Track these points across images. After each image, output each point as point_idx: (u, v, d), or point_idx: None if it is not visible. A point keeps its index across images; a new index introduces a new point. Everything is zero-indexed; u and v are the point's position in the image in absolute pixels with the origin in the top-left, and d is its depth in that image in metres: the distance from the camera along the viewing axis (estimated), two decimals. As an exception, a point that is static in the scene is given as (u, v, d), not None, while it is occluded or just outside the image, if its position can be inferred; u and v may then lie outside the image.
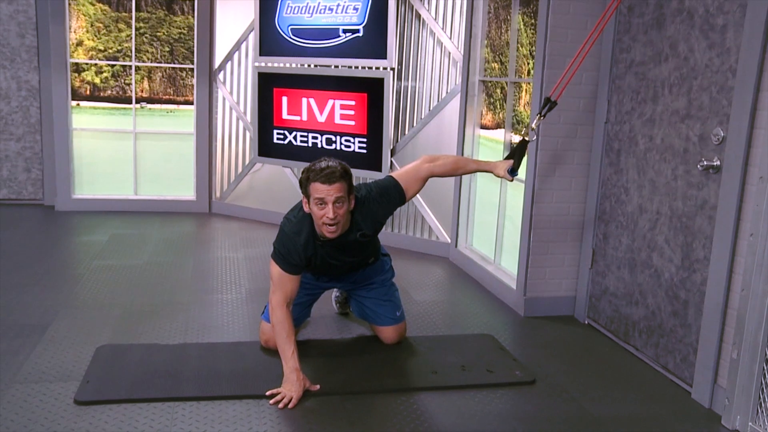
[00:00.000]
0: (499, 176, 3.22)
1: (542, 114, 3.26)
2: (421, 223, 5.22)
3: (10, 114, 5.98)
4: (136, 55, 6.06)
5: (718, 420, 2.72)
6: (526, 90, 4.09)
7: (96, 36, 5.99)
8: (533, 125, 3.27)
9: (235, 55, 5.99)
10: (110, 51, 6.04)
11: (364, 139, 5.18)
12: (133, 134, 6.16)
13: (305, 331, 3.44)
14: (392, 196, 3.05)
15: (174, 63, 6.15)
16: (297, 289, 2.97)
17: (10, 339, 3.18)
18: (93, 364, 2.94)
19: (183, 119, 6.25)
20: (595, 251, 3.74)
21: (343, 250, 3.00)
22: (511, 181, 3.26)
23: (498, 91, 4.47)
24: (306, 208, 2.85)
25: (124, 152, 6.18)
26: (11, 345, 3.12)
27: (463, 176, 4.77)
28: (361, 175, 5.31)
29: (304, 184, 2.80)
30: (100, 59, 6.03)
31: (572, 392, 2.94)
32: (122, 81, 6.12)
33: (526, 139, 3.27)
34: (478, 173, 4.30)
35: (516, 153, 3.23)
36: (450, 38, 4.89)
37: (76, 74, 6.02)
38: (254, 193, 6.10)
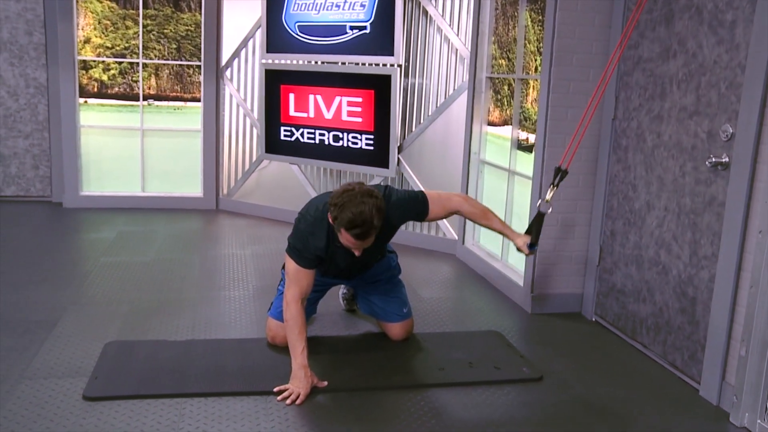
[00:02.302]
0: (518, 247, 3.16)
1: (555, 184, 3.17)
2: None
3: (19, 111, 6.00)
4: (143, 53, 6.07)
5: (726, 417, 2.72)
6: (533, 87, 4.08)
7: (103, 33, 6.00)
8: (547, 198, 3.18)
9: (242, 52, 5.99)
10: (118, 48, 6.05)
11: (371, 136, 5.18)
12: (140, 131, 6.17)
13: (312, 328, 3.44)
14: (413, 207, 3.03)
15: (181, 60, 6.16)
16: (312, 284, 2.96)
17: (18, 335, 3.20)
18: (101, 361, 2.95)
19: (190, 116, 6.26)
20: (602, 248, 3.73)
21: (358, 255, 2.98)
22: (528, 255, 3.24)
23: (505, 87, 4.46)
24: (331, 221, 2.79)
25: (131, 149, 6.19)
26: (20, 341, 3.13)
27: (470, 172, 4.77)
28: (368, 172, 5.31)
29: (335, 223, 2.72)
30: (107, 56, 6.04)
31: (579, 389, 2.94)
32: (130, 78, 6.13)
33: (542, 211, 3.19)
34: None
35: (534, 227, 3.16)
36: (457, 35, 4.88)
37: (84, 71, 6.03)
38: (261, 190, 6.11)
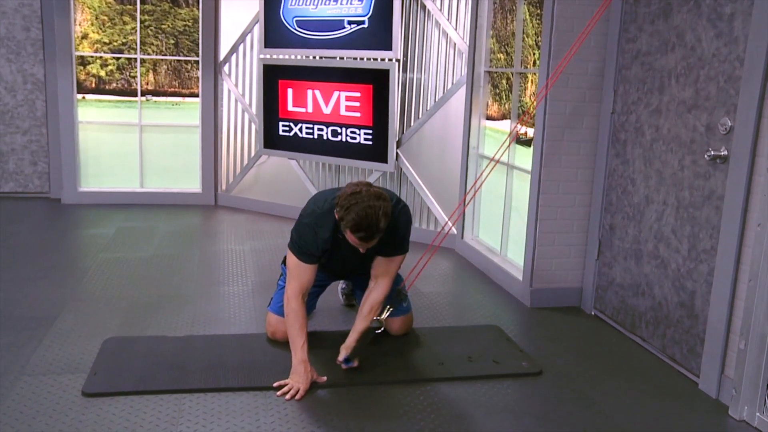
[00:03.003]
0: (342, 348, 2.95)
1: (392, 307, 3.14)
2: (427, 215, 5.21)
3: (16, 107, 5.99)
4: (141, 48, 6.06)
5: (726, 411, 2.72)
6: (531, 80, 4.07)
7: (101, 29, 5.98)
8: (383, 317, 3.11)
9: (240, 47, 5.98)
10: (115, 44, 6.03)
11: (370, 131, 5.17)
12: (138, 127, 6.16)
13: (311, 323, 3.44)
14: (399, 242, 2.98)
15: (179, 55, 6.14)
16: (313, 279, 2.96)
17: (17, 332, 3.20)
18: (100, 357, 2.95)
19: (188, 112, 6.25)
20: (601, 242, 3.73)
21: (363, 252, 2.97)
22: (343, 367, 2.93)
23: (504, 81, 4.45)
24: (336, 217, 2.78)
25: (129, 145, 6.18)
26: (19, 338, 3.13)
27: (468, 165, 4.77)
28: (366, 167, 5.31)
29: (341, 223, 2.72)
30: (105, 52, 6.03)
31: (579, 383, 2.94)
32: (127, 74, 6.12)
33: (373, 326, 3.06)
34: None
35: (360, 341, 2.95)
36: (455, 29, 4.87)
37: (82, 67, 6.02)
38: (260, 186, 6.10)
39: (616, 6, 3.54)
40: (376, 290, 3.04)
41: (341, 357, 2.91)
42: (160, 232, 5.22)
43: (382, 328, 3.18)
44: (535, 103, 3.12)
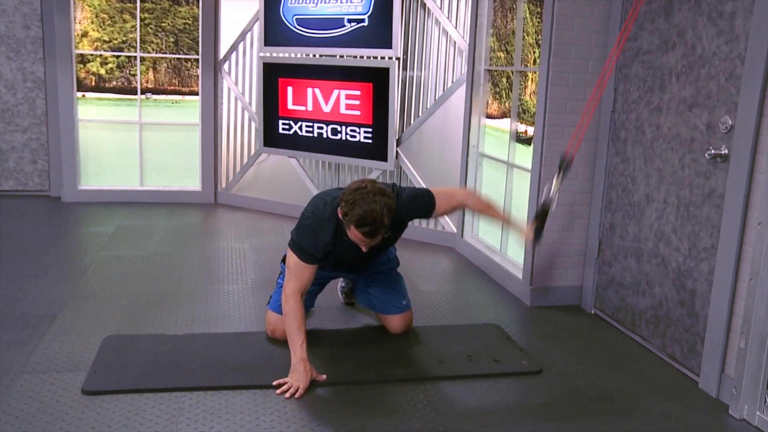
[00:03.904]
0: (522, 236, 3.22)
1: (560, 177, 3.15)
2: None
3: (16, 105, 5.98)
4: (141, 46, 6.05)
5: (726, 410, 2.72)
6: (532, 79, 4.07)
7: (101, 27, 5.98)
8: (553, 191, 3.16)
9: (240, 46, 5.98)
10: (115, 42, 6.03)
11: (370, 129, 5.17)
12: (138, 125, 6.16)
13: (311, 321, 3.44)
14: (421, 204, 3.04)
15: (179, 54, 6.14)
16: (312, 278, 2.97)
17: (18, 330, 3.19)
18: (100, 355, 2.95)
19: (188, 110, 6.24)
20: (601, 241, 3.73)
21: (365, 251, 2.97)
22: (534, 244, 3.24)
23: (504, 80, 4.45)
24: (340, 216, 2.79)
25: (129, 143, 6.18)
26: (19, 336, 3.13)
27: (468, 163, 4.76)
28: (366, 165, 5.30)
29: (345, 219, 2.73)
30: (105, 50, 6.03)
31: (578, 382, 2.94)
32: (127, 72, 6.11)
33: (548, 204, 3.16)
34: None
35: (539, 217, 3.16)
36: (455, 27, 4.86)
37: (82, 65, 6.01)
38: (260, 184, 6.10)
39: (616, 4, 3.53)
40: (468, 203, 3.22)
41: (529, 242, 3.09)
42: (159, 230, 5.22)
43: (556, 200, 3.21)
44: (596, 93, 3.19)
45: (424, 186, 5.10)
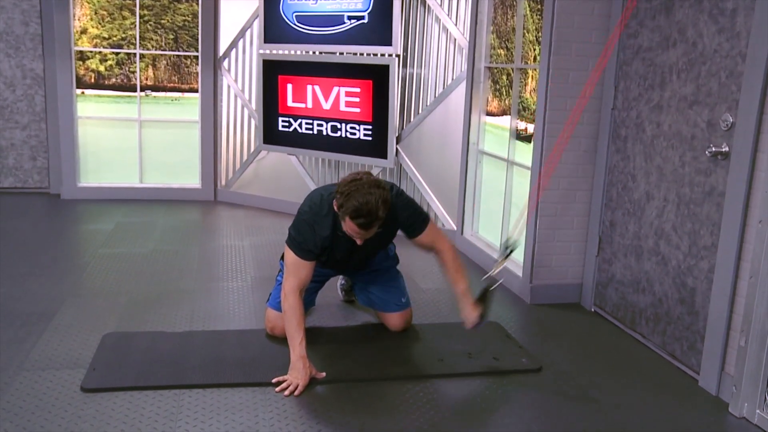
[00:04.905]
0: (464, 318, 3.02)
1: (504, 258, 3.08)
2: (427, 210, 5.20)
3: (15, 102, 5.97)
4: (140, 43, 6.04)
5: (726, 408, 2.72)
6: (532, 76, 4.06)
7: (100, 24, 5.97)
8: (495, 272, 3.07)
9: (240, 43, 5.97)
10: (114, 39, 6.02)
11: (370, 127, 5.16)
12: (138, 122, 6.15)
13: (310, 319, 3.44)
14: (414, 217, 3.03)
15: (178, 51, 6.13)
16: (311, 275, 2.96)
17: (17, 327, 3.19)
18: (99, 352, 2.95)
19: (188, 107, 6.24)
20: (601, 238, 3.72)
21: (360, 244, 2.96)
22: (474, 328, 3.01)
23: (504, 77, 4.44)
24: (336, 209, 2.79)
25: (129, 140, 6.17)
26: (18, 333, 3.12)
27: (468, 161, 4.76)
28: (366, 163, 5.30)
29: (340, 211, 2.72)
30: (104, 47, 6.01)
31: (578, 380, 2.93)
32: (127, 69, 6.10)
33: (490, 285, 3.03)
34: None
35: (484, 300, 3.01)
36: (455, 24, 4.85)
37: (81, 62, 6.01)
38: (259, 181, 6.09)
39: (616, 1, 3.53)
40: (443, 254, 3.09)
41: (473, 322, 2.97)
42: (159, 227, 5.21)
43: (501, 280, 3.13)
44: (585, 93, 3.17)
45: (424, 184, 5.12)
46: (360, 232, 2.73)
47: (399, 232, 3.10)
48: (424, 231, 3.05)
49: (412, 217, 3.03)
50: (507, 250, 3.07)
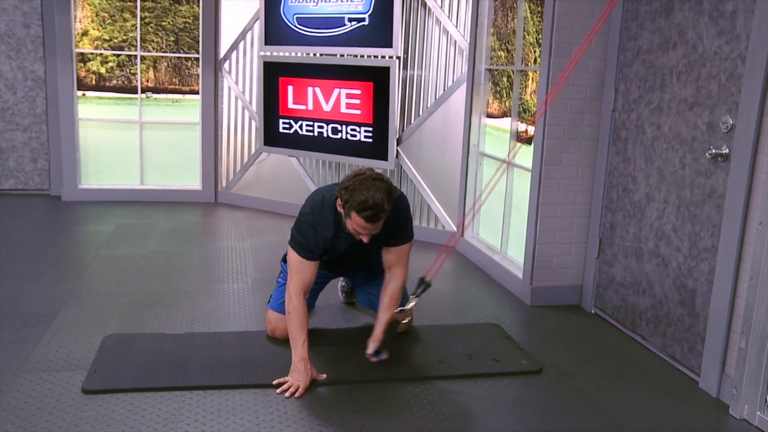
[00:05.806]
0: (369, 345, 2.96)
1: (417, 295, 3.01)
2: (427, 212, 5.21)
3: (17, 104, 5.98)
4: (141, 45, 6.05)
5: (726, 409, 2.72)
6: (532, 78, 4.06)
7: (101, 26, 5.97)
8: (408, 307, 3.04)
9: (241, 45, 5.97)
10: (115, 41, 6.03)
11: (370, 129, 5.16)
12: (138, 124, 6.16)
13: (311, 320, 3.43)
14: (407, 226, 3.02)
15: (179, 52, 6.14)
16: (314, 276, 2.94)
17: (17, 329, 3.19)
18: (100, 354, 2.95)
19: (188, 109, 6.24)
20: (601, 240, 3.73)
21: (361, 243, 2.96)
22: (369, 357, 2.94)
23: (504, 79, 4.44)
24: (339, 208, 2.78)
25: (129, 142, 6.18)
26: (19, 334, 3.13)
27: (469, 163, 4.77)
28: (366, 165, 5.29)
29: (345, 207, 2.70)
30: (105, 49, 6.02)
31: (579, 381, 2.93)
32: (128, 71, 6.11)
33: (397, 318, 2.99)
34: None
35: (386, 333, 2.95)
36: (456, 26, 4.86)
37: (82, 64, 6.01)
38: (260, 183, 6.09)
39: (617, 4, 3.53)
40: (393, 280, 3.04)
41: (370, 350, 2.92)
42: (160, 229, 5.22)
43: (409, 318, 3.12)
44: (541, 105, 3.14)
45: (424, 186, 5.13)
46: (367, 227, 2.69)
47: None
48: (402, 247, 3.01)
49: (404, 227, 3.00)
50: (422, 287, 2.99)
